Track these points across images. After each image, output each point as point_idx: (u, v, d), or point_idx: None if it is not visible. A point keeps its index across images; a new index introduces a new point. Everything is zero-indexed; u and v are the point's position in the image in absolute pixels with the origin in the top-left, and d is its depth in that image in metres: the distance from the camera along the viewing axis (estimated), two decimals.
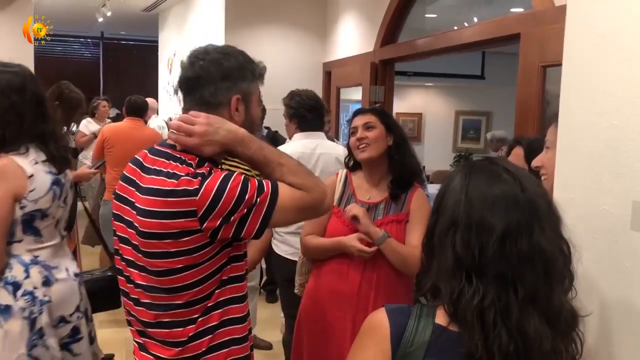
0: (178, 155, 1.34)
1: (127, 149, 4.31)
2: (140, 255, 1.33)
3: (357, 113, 2.22)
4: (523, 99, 2.91)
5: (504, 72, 6.42)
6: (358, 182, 2.19)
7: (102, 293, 2.20)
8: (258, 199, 1.27)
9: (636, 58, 1.22)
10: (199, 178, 1.27)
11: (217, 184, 1.26)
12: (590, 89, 1.33)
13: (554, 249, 0.94)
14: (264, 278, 4.59)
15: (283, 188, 1.32)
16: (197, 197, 1.25)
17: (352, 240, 2.05)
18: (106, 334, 3.44)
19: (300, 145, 2.85)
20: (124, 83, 10.37)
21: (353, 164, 2.22)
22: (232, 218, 1.26)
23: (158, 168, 1.33)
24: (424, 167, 7.68)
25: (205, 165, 1.32)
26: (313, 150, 2.84)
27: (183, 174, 1.27)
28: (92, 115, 6.23)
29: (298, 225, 2.75)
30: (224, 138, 1.33)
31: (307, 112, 2.91)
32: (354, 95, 5.98)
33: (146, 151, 1.43)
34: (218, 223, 1.25)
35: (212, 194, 1.25)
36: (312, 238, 2.17)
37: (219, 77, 1.37)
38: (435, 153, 8.55)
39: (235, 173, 1.30)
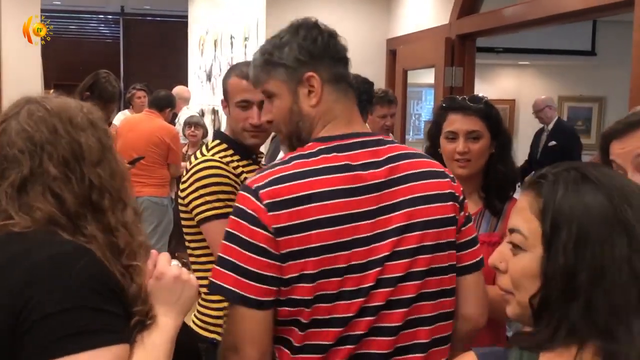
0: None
1: (129, 139, 4.72)
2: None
3: (456, 108, 2.05)
4: (638, 82, 2.85)
5: (622, 47, 6.22)
6: None
7: None
8: None
9: None
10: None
11: None
12: None
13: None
14: None
15: None
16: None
17: None
18: None
19: None
20: (148, 67, 10.77)
21: None
22: None
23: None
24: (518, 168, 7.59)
25: None
26: None
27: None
28: (129, 107, 6.64)
29: None
30: None
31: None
32: (423, 78, 5.95)
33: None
34: None
35: None
36: None
37: None
38: None
39: None
